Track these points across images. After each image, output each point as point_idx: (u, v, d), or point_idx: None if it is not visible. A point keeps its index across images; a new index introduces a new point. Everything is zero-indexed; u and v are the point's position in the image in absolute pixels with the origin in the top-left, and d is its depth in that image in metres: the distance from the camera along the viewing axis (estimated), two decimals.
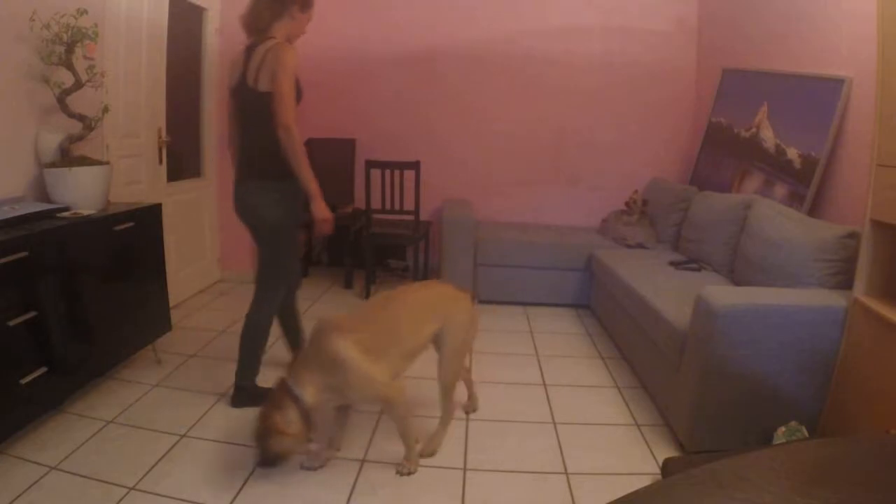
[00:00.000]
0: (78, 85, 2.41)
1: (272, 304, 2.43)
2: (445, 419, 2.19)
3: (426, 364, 2.17)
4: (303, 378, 1.82)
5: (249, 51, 2.26)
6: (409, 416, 2.01)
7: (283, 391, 1.81)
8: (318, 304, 3.86)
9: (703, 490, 0.78)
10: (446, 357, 2.10)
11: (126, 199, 2.93)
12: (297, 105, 2.24)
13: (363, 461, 2.09)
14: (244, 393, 2.42)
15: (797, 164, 2.94)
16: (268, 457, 1.81)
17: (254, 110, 2.24)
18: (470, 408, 2.49)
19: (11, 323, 1.91)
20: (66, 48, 2.36)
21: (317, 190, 2.27)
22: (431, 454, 2.13)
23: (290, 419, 1.78)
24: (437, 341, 2.11)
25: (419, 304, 2.07)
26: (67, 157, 2.43)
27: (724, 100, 3.87)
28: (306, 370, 1.83)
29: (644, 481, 1.98)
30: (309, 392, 1.80)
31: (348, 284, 4.21)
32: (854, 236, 2.23)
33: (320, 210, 2.30)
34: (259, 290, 2.42)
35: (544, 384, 2.79)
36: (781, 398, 2.11)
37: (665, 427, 2.40)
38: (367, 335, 1.88)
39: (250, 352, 2.40)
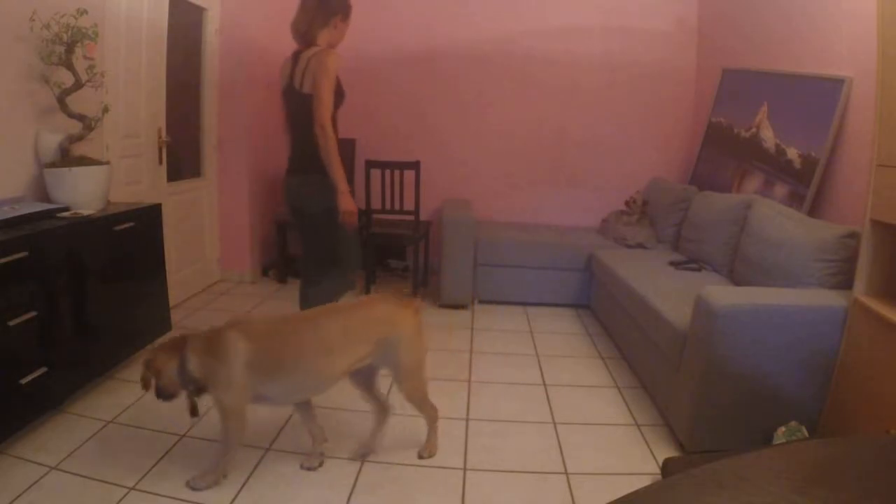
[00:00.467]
0: (78, 85, 2.41)
1: (343, 284, 2.65)
2: (431, 422, 2.15)
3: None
4: (197, 347, 1.82)
5: (296, 56, 2.49)
6: (237, 442, 1.90)
7: (180, 344, 1.83)
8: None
9: (704, 490, 0.78)
10: (401, 380, 2.00)
11: (126, 199, 2.93)
12: (340, 106, 2.50)
13: (363, 461, 2.09)
14: None
15: (797, 164, 2.94)
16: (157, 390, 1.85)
17: (299, 110, 2.46)
18: (367, 450, 2.14)
19: (11, 323, 1.92)
20: (66, 48, 2.36)
21: (345, 185, 2.46)
22: (431, 455, 2.13)
23: (168, 368, 1.80)
24: (384, 363, 2.00)
25: (341, 331, 1.91)
26: (67, 157, 2.43)
27: (724, 100, 3.87)
28: (201, 345, 1.83)
29: (644, 481, 1.98)
30: (194, 362, 1.80)
31: None
32: (854, 236, 2.23)
33: (346, 203, 2.47)
34: (326, 279, 2.63)
35: (544, 384, 2.80)
36: (781, 398, 2.11)
37: (665, 427, 2.40)
38: (265, 354, 1.82)
39: None
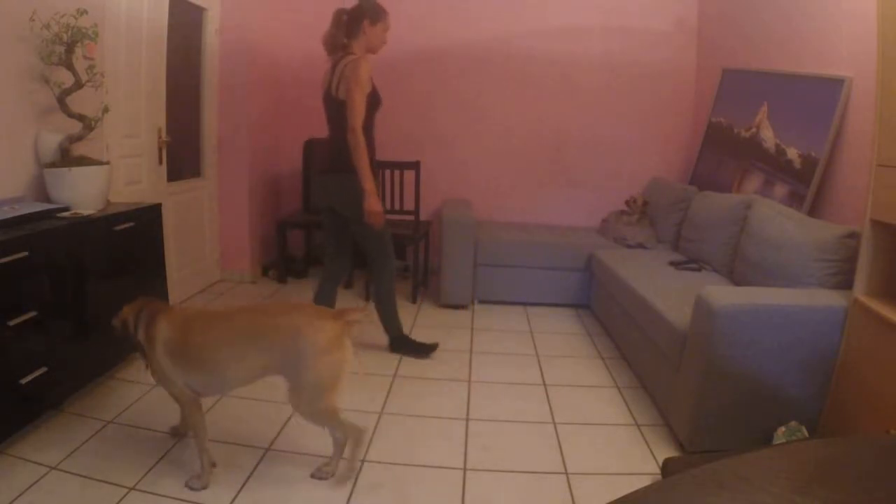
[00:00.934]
0: (78, 85, 2.41)
1: (389, 273, 2.90)
2: (350, 440, 1.95)
3: None
4: (143, 319, 1.89)
5: (335, 65, 2.68)
6: (200, 429, 1.90)
7: (140, 307, 1.92)
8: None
9: (704, 490, 0.79)
10: (295, 395, 1.84)
11: (126, 199, 2.93)
12: (377, 110, 2.70)
13: (363, 461, 2.09)
14: (396, 340, 3.04)
15: (797, 164, 2.94)
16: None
17: (335, 115, 2.66)
18: (325, 473, 1.99)
19: (11, 323, 1.91)
20: (66, 48, 2.36)
21: (371, 186, 2.62)
22: (353, 471, 1.99)
23: (128, 321, 1.91)
24: (285, 376, 1.88)
25: (248, 335, 1.85)
26: (67, 157, 2.43)
27: (724, 100, 3.87)
28: (146, 318, 1.89)
29: (644, 481, 1.98)
30: (140, 331, 1.89)
31: (348, 284, 4.20)
32: (854, 236, 2.23)
33: (371, 203, 2.63)
34: (374, 266, 2.90)
35: (544, 384, 2.79)
36: (781, 398, 2.11)
37: (665, 427, 2.40)
38: (180, 344, 1.83)
39: (388, 312, 2.98)
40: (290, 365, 1.83)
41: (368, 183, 2.60)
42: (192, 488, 1.87)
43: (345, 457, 1.98)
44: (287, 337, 1.82)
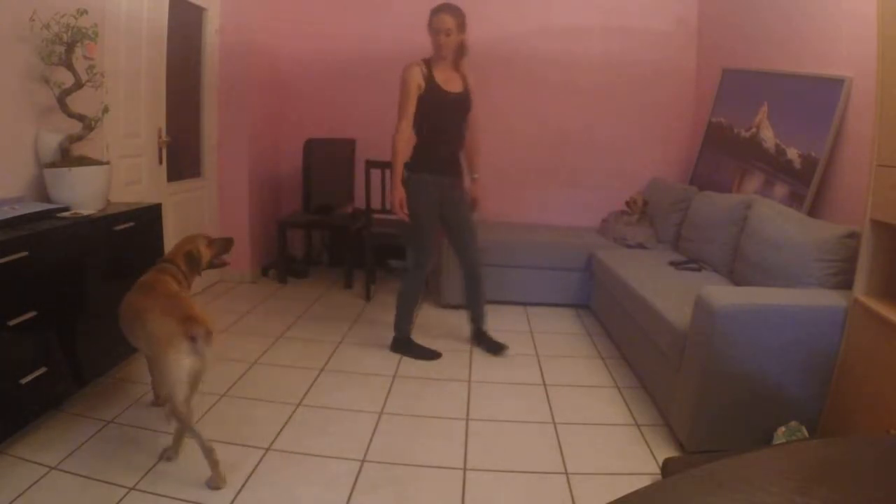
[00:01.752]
0: (78, 85, 2.41)
1: (417, 277, 2.99)
2: (210, 461, 1.88)
3: None
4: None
5: None
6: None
7: (178, 251, 2.26)
8: (318, 304, 3.86)
9: (704, 490, 0.79)
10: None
11: (126, 199, 2.93)
12: (446, 110, 2.86)
13: (363, 461, 2.09)
14: (400, 342, 3.06)
15: (797, 164, 2.94)
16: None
17: None
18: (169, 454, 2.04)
19: (11, 323, 1.91)
20: (66, 48, 2.36)
21: (397, 182, 2.81)
22: (219, 485, 1.89)
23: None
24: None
25: (134, 310, 1.99)
26: (67, 157, 2.43)
27: (724, 100, 3.87)
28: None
29: (644, 481, 1.98)
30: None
31: (348, 284, 4.21)
32: (854, 236, 2.22)
33: (394, 194, 2.82)
34: (407, 265, 3.02)
35: (544, 384, 2.79)
36: (781, 398, 2.11)
37: (665, 427, 2.40)
38: (126, 305, 2.11)
39: (403, 311, 3.05)
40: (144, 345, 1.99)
41: (396, 177, 2.80)
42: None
43: (212, 475, 1.90)
44: (141, 324, 1.93)
